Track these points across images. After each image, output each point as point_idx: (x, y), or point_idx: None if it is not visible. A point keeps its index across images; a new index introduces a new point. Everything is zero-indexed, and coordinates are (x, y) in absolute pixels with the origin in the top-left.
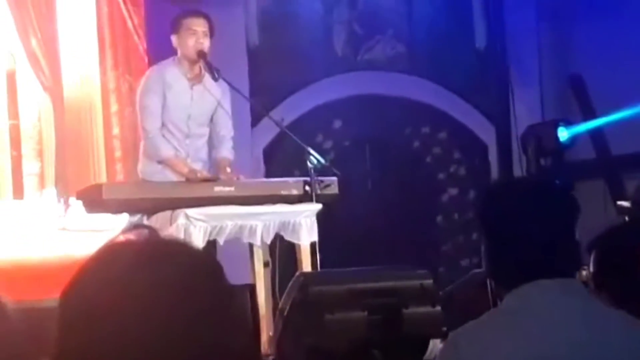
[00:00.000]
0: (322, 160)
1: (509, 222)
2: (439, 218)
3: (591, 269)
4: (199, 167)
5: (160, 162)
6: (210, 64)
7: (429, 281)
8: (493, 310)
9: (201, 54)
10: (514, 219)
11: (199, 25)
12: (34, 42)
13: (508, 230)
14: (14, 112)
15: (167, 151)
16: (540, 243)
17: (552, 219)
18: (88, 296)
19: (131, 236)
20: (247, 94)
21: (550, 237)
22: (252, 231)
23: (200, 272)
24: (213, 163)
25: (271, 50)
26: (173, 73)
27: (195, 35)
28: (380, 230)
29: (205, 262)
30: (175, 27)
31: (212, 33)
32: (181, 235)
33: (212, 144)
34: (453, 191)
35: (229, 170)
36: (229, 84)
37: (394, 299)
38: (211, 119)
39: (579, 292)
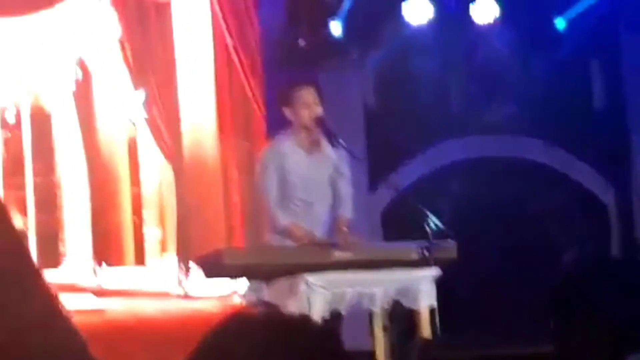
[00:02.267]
0: (440, 224)
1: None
2: (561, 280)
3: None
4: (324, 232)
5: (279, 232)
6: (328, 130)
7: (549, 347)
8: None
9: (319, 121)
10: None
11: (309, 95)
12: (155, 110)
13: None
14: (135, 178)
15: (283, 220)
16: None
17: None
18: None
19: (253, 311)
20: (364, 156)
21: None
22: (372, 298)
23: (322, 350)
24: (333, 222)
25: (388, 113)
26: (289, 146)
27: (308, 107)
28: (500, 293)
29: (327, 339)
30: (285, 100)
31: (322, 97)
32: (304, 304)
33: (333, 205)
34: (572, 252)
35: (345, 229)
36: (348, 150)
37: None
38: (331, 182)
39: None
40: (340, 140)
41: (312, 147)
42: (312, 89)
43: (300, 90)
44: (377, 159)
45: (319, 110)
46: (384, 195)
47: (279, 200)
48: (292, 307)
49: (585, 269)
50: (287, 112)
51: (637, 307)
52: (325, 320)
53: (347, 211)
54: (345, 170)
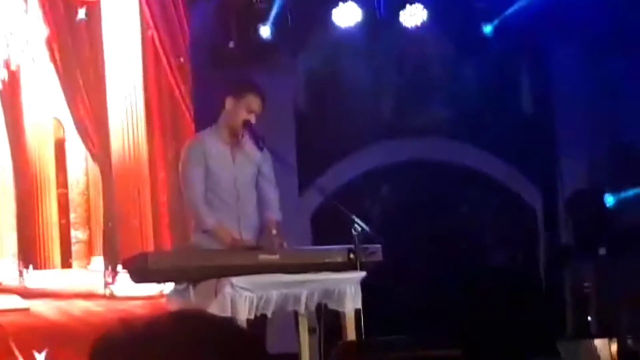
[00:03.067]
0: (367, 228)
1: None
2: (488, 284)
3: None
4: (251, 235)
5: (205, 231)
6: (255, 133)
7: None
8: None
9: (246, 124)
10: None
11: (257, 106)
12: (82, 110)
13: None
14: (62, 180)
15: (210, 220)
16: None
17: None
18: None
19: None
20: (294, 159)
21: None
22: (297, 299)
23: (241, 350)
24: (259, 224)
25: (319, 117)
26: (212, 141)
27: (248, 111)
28: (427, 297)
29: (246, 341)
30: (235, 94)
31: (262, 111)
32: (227, 305)
33: (259, 207)
34: (501, 256)
35: (274, 232)
36: (274, 153)
37: None
38: (256, 184)
39: None
40: (269, 141)
41: (236, 145)
42: (262, 102)
43: (254, 97)
44: (307, 162)
45: (253, 118)
46: (314, 198)
47: (203, 197)
48: (216, 309)
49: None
50: (229, 102)
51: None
52: (250, 322)
53: (274, 213)
54: (268, 172)
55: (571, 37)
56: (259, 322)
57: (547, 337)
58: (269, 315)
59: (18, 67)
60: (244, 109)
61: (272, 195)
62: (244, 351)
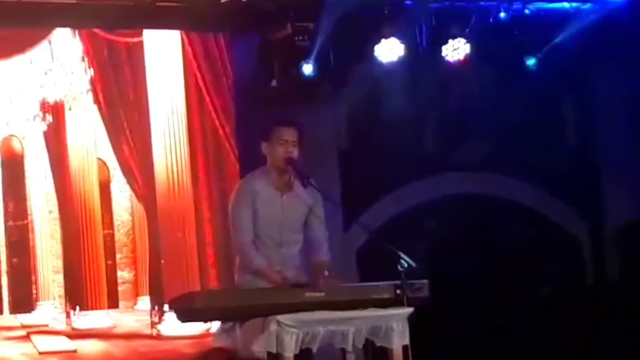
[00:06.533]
0: (413, 264)
1: None
2: (535, 317)
3: None
4: (293, 274)
5: (253, 272)
6: (299, 171)
7: None
8: None
9: (290, 162)
10: None
11: (289, 135)
12: (126, 150)
13: None
14: (108, 221)
15: (259, 261)
16: None
17: None
18: None
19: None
20: (338, 196)
21: None
22: (344, 337)
23: None
24: (310, 267)
25: (363, 152)
26: (262, 184)
27: (285, 145)
28: (475, 331)
29: None
30: (265, 135)
31: (301, 142)
32: (273, 342)
33: (307, 248)
34: (548, 289)
35: (326, 273)
36: (320, 191)
37: None
38: (305, 223)
39: None
40: (312, 181)
41: (285, 187)
42: (293, 129)
43: (282, 128)
44: (351, 198)
45: (295, 151)
46: (359, 235)
47: (252, 239)
48: (262, 346)
49: None
50: (264, 146)
51: None
52: (295, 356)
53: (324, 255)
54: (320, 212)
55: (614, 69)
56: (304, 355)
57: None
58: (314, 350)
59: (62, 109)
60: (277, 143)
61: (323, 236)
62: None
